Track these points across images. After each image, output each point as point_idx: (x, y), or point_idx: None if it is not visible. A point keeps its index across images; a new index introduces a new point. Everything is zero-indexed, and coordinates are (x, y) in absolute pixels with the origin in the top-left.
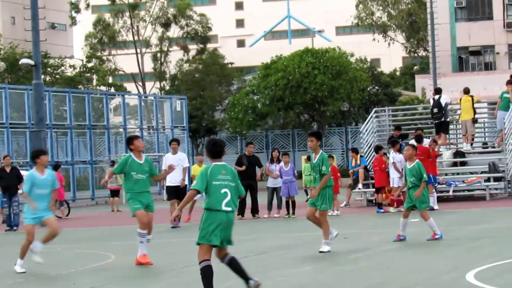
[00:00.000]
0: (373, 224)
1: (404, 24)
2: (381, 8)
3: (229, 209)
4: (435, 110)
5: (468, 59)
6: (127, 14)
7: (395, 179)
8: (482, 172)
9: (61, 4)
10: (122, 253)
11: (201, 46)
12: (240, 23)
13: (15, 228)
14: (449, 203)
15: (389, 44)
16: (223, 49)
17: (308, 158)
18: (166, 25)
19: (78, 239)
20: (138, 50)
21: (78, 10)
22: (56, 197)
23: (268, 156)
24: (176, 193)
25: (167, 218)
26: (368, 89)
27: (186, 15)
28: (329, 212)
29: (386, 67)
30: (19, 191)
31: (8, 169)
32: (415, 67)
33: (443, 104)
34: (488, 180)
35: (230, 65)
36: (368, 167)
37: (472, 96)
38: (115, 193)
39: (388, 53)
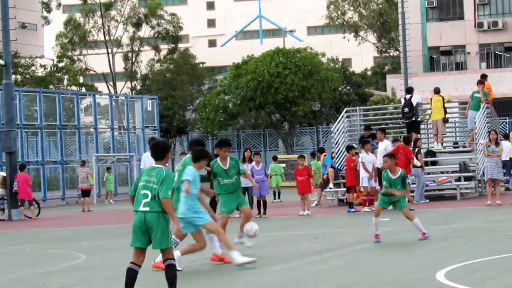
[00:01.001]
0: (344, 223)
1: (376, 24)
2: (352, 8)
3: (147, 209)
4: (406, 109)
5: (439, 59)
6: (98, 13)
7: (364, 178)
8: (452, 172)
9: (31, 4)
10: (92, 253)
11: (172, 46)
12: (211, 23)
13: None
14: (420, 202)
15: (360, 44)
16: (194, 49)
17: (274, 159)
18: (137, 25)
19: (48, 239)
20: (109, 50)
21: (49, 10)
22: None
23: (239, 156)
24: None
25: None
26: (339, 89)
27: (157, 15)
28: (299, 212)
29: (357, 67)
30: None
31: None
32: (386, 67)
33: (414, 104)
34: (458, 179)
35: (201, 65)
36: (338, 166)
37: (442, 96)
38: (86, 193)
39: (359, 53)
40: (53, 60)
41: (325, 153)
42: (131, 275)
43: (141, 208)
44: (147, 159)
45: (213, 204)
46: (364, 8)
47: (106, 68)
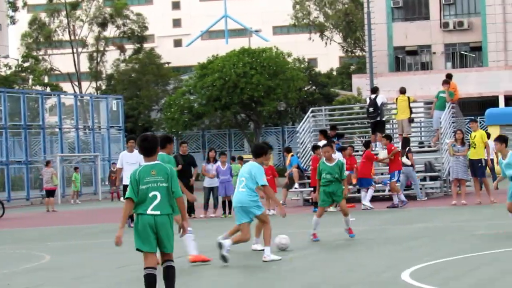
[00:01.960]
0: (310, 223)
1: (341, 24)
2: (318, 8)
3: (157, 212)
4: (371, 109)
5: (405, 59)
6: (64, 13)
7: None
8: (418, 172)
9: None
10: (58, 254)
11: (138, 45)
12: (177, 22)
13: None
14: (385, 202)
15: (326, 44)
16: (159, 48)
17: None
18: (103, 25)
19: (13, 240)
20: (75, 50)
21: (16, 9)
22: None
23: (204, 155)
24: None
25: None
26: (305, 88)
27: (122, 15)
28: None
29: (323, 67)
30: None
31: None
32: (352, 67)
33: (379, 104)
34: (424, 179)
35: (166, 65)
36: (303, 166)
37: (408, 96)
38: (50, 193)
39: (325, 53)
40: (17, 60)
41: (292, 153)
42: (151, 280)
43: (150, 212)
44: (125, 158)
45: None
46: (330, 8)
47: (71, 68)
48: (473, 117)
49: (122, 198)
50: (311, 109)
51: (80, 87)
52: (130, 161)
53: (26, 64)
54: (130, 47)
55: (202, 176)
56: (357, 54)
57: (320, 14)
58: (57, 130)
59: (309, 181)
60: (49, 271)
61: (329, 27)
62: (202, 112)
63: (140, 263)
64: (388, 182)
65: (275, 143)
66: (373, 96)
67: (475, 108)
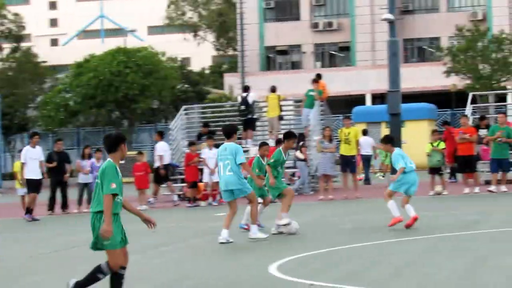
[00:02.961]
0: (183, 218)
1: (214, 24)
2: (192, 8)
3: (91, 210)
4: (243, 107)
5: (276, 58)
6: None
7: (206, 174)
8: (287, 168)
9: None
10: None
11: (15, 45)
12: (53, 22)
13: None
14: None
15: (199, 43)
16: (36, 48)
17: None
18: None
19: None
20: None
21: None
22: None
23: (79, 152)
24: (37, 187)
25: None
26: (178, 87)
27: (0, 15)
28: (137, 207)
29: (196, 66)
30: None
31: None
32: (225, 66)
33: (250, 102)
34: (293, 175)
35: (43, 64)
36: (175, 163)
37: (278, 94)
38: None
39: (199, 52)
40: None
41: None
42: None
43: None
44: (28, 154)
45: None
46: (204, 8)
47: None
48: (342, 115)
49: (21, 191)
50: (183, 107)
51: None
52: (33, 157)
53: None
54: (7, 46)
55: (76, 172)
56: (229, 53)
57: (194, 14)
58: None
59: (182, 177)
60: None
61: (202, 27)
62: (78, 110)
63: None
64: None
65: (148, 140)
66: (244, 94)
67: (343, 106)
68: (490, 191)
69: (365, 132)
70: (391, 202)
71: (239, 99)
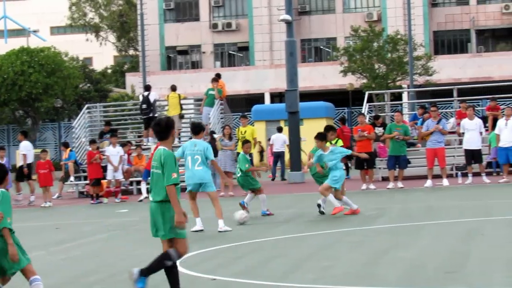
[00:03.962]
0: (86, 215)
1: (116, 24)
2: (93, 9)
3: (151, 198)
4: (144, 106)
5: (176, 58)
6: None
7: (109, 171)
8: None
9: None
10: None
11: None
12: None
13: None
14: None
15: (101, 43)
16: None
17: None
18: None
19: None
20: None
21: None
22: None
23: None
24: None
25: None
26: (81, 86)
27: None
28: (42, 203)
29: (98, 65)
30: None
31: None
32: (126, 66)
33: (151, 101)
34: None
35: None
36: (79, 160)
37: (179, 93)
38: None
39: (101, 52)
40: None
41: (70, 148)
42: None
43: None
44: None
45: None
46: (105, 9)
47: None
48: (242, 113)
49: None
50: (86, 106)
51: None
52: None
53: None
54: None
55: None
56: (130, 53)
57: (96, 16)
58: None
59: (85, 174)
60: None
61: (104, 28)
62: None
63: None
64: None
65: (52, 138)
66: (146, 93)
67: (243, 104)
68: (388, 188)
69: (279, 129)
70: (331, 195)
71: (141, 98)
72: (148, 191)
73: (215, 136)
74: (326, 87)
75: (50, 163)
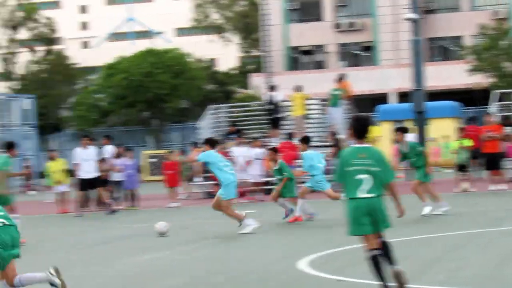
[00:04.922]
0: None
1: (240, 25)
2: (217, 11)
3: (368, 195)
4: (269, 106)
5: (300, 58)
6: None
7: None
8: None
9: None
10: None
11: (48, 47)
12: (84, 25)
13: None
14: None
15: (225, 45)
16: (68, 50)
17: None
18: (15, 28)
19: None
20: None
21: None
22: None
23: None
24: (88, 185)
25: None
26: (206, 87)
27: (33, 18)
28: (169, 204)
29: (222, 66)
30: None
31: None
32: (250, 66)
33: (277, 101)
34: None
35: (74, 66)
36: None
37: (303, 94)
38: None
39: (225, 53)
40: None
41: (201, 148)
42: (378, 260)
43: (359, 195)
44: (80, 155)
45: None
46: (229, 10)
47: None
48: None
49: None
50: (211, 107)
51: None
52: (86, 157)
53: None
54: (40, 49)
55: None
56: (255, 54)
57: (220, 17)
58: None
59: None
60: None
61: (228, 29)
62: (109, 110)
63: None
64: None
65: (178, 139)
66: (271, 93)
67: (367, 104)
68: None
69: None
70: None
71: (266, 98)
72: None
73: (338, 137)
74: (452, 86)
75: (176, 164)
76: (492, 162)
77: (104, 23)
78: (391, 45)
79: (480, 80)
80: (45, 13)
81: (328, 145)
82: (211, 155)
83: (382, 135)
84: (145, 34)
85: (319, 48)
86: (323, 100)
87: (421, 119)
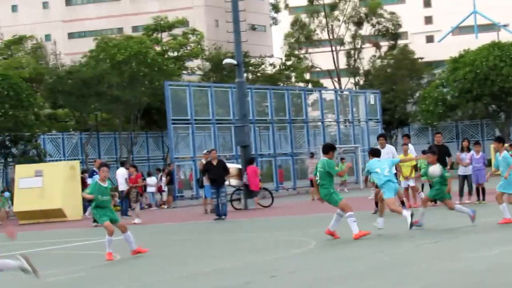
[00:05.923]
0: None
1: None
2: None
3: None
4: None
5: None
6: (322, 14)
7: None
8: None
9: (260, 7)
10: (322, 240)
11: (392, 42)
12: (428, 19)
13: (223, 217)
14: None
15: None
16: (412, 45)
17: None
18: (359, 24)
19: (280, 227)
20: (333, 48)
21: (278, 10)
22: None
23: (458, 145)
24: None
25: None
26: None
27: (377, 14)
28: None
29: None
30: (226, 183)
31: (215, 162)
32: None
33: None
34: None
35: (419, 60)
36: None
37: None
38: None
39: None
40: (281, 58)
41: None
42: None
43: None
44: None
45: None
46: None
47: (331, 65)
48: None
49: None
50: None
51: (339, 83)
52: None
53: (289, 63)
54: (384, 44)
55: (457, 165)
56: None
57: None
58: (319, 123)
59: None
60: (314, 256)
61: None
62: (455, 104)
63: None
64: None
65: None
66: None
67: None
68: None
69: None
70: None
71: None
72: None
73: None
74: None
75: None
76: None
77: (448, 17)
78: None
79: None
80: (389, 8)
81: None
82: None
83: None
84: (489, 27)
85: None
86: None
87: None
